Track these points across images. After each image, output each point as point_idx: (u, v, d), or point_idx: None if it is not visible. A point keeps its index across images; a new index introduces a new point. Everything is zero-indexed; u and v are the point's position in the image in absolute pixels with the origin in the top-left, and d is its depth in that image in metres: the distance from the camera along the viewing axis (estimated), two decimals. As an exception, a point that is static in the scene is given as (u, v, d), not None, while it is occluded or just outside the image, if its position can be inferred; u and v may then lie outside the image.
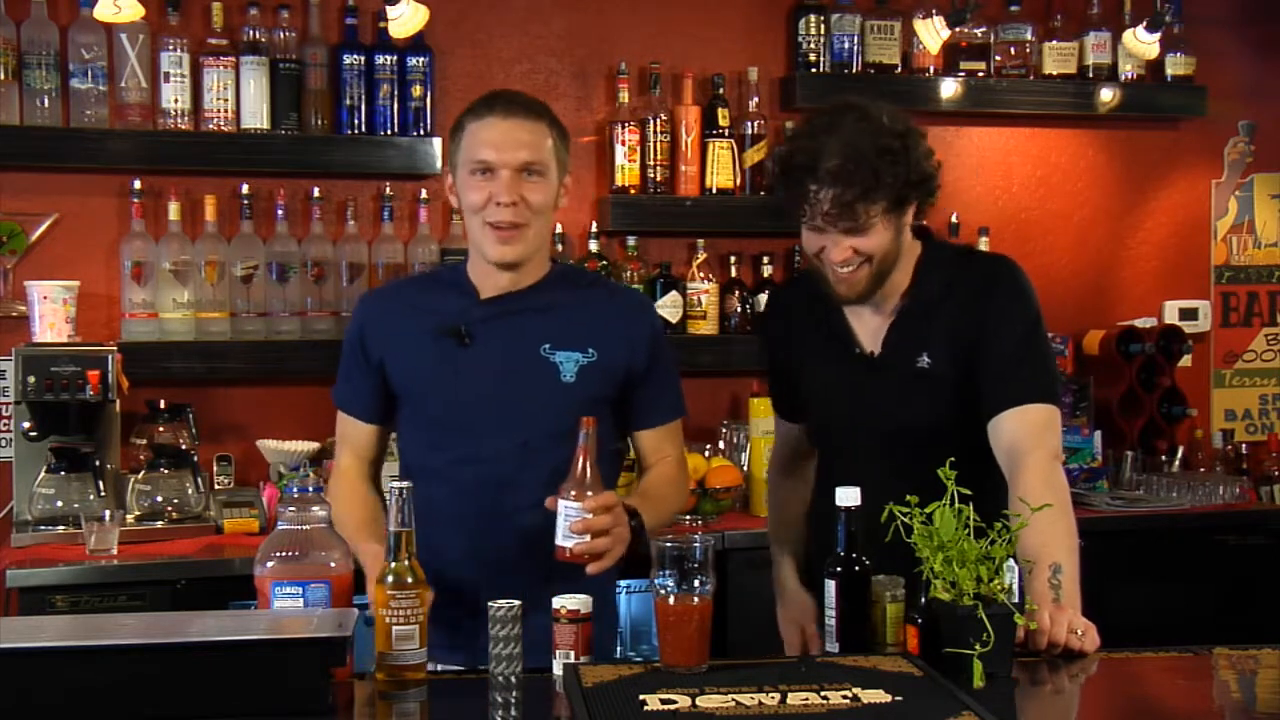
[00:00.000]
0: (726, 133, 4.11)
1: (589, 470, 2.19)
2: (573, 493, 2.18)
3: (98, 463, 3.44)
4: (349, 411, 2.52)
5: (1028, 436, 2.30)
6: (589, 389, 2.38)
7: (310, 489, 2.11)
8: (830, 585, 2.09)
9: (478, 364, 2.37)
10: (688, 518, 3.60)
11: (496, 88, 4.02)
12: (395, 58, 3.88)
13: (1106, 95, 4.38)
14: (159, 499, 3.47)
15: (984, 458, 2.34)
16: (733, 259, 4.17)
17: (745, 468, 3.88)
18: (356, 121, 3.87)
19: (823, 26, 4.20)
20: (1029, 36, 4.35)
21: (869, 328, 2.46)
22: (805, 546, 2.67)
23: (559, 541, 2.19)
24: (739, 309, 4.14)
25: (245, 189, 3.78)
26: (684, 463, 2.59)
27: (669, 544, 1.99)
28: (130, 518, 3.43)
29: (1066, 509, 2.27)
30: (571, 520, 2.18)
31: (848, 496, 2.11)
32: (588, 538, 2.17)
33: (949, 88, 4.25)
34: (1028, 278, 2.46)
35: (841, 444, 2.52)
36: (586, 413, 2.26)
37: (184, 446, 3.57)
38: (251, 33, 3.77)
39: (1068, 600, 2.18)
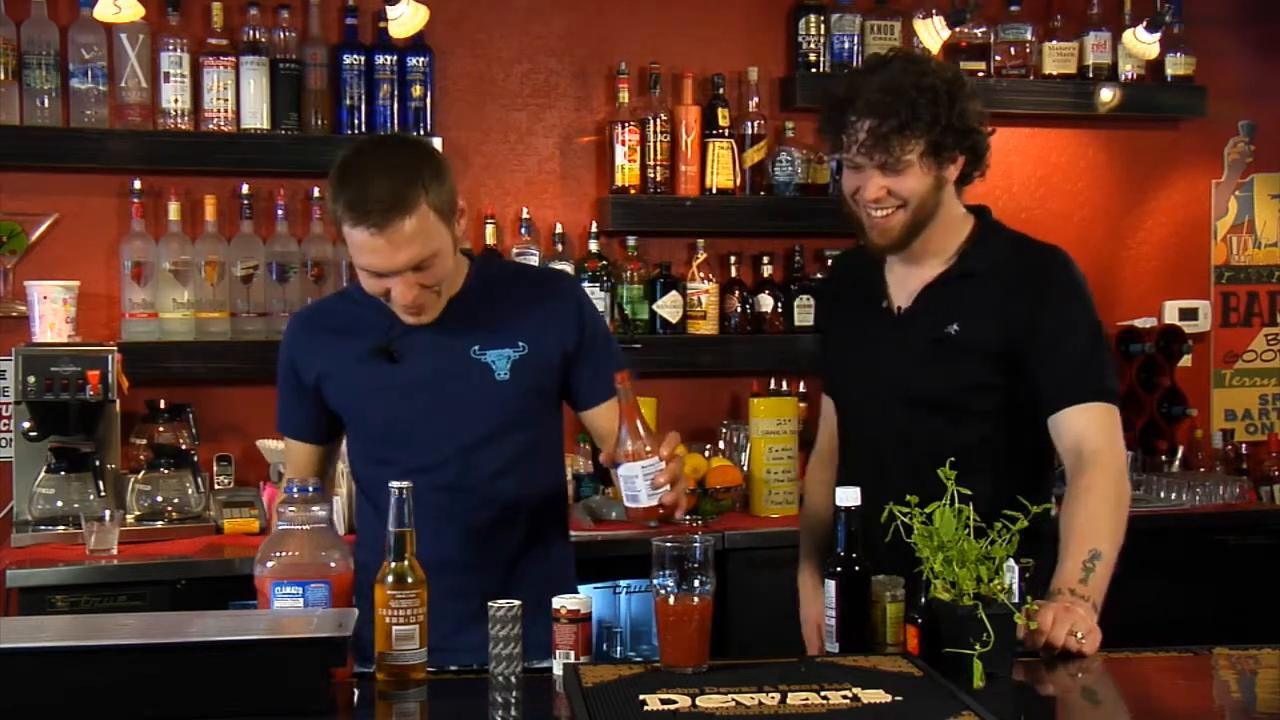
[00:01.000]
0: (726, 133, 4.11)
1: (642, 424, 2.14)
2: (647, 448, 2.11)
3: (98, 463, 3.44)
4: (295, 436, 2.52)
5: (1100, 433, 2.31)
6: (525, 382, 2.37)
7: (310, 489, 2.10)
8: (830, 585, 2.09)
9: (411, 378, 2.37)
10: (688, 518, 3.60)
11: (496, 88, 4.08)
12: (395, 58, 3.88)
13: (1106, 95, 4.38)
14: (159, 499, 3.47)
15: (993, 435, 2.37)
16: (733, 259, 4.17)
17: (745, 468, 3.88)
18: (356, 121, 3.87)
19: (823, 26, 4.20)
20: (1029, 36, 4.35)
21: (904, 287, 2.45)
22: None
23: (643, 503, 2.11)
24: (739, 309, 4.14)
25: (245, 189, 3.78)
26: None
27: (669, 544, 1.99)
28: (130, 518, 3.43)
29: (1124, 510, 2.31)
30: (653, 475, 2.10)
31: (848, 496, 2.11)
32: (669, 488, 2.10)
33: (949, 88, 4.25)
34: (1081, 272, 2.45)
35: (852, 400, 2.51)
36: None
37: (184, 446, 3.56)
38: (251, 33, 3.77)
39: (1094, 588, 2.18)
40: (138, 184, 3.70)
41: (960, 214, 2.47)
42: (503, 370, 2.37)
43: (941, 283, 2.42)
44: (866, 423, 2.48)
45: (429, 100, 3.91)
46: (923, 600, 2.03)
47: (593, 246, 4.01)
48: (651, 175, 4.05)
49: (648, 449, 2.11)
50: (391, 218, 2.17)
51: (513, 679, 1.95)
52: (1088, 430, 2.31)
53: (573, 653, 2.03)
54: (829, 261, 2.75)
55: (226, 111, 3.74)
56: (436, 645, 2.18)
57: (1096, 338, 2.41)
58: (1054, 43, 4.39)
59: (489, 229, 3.96)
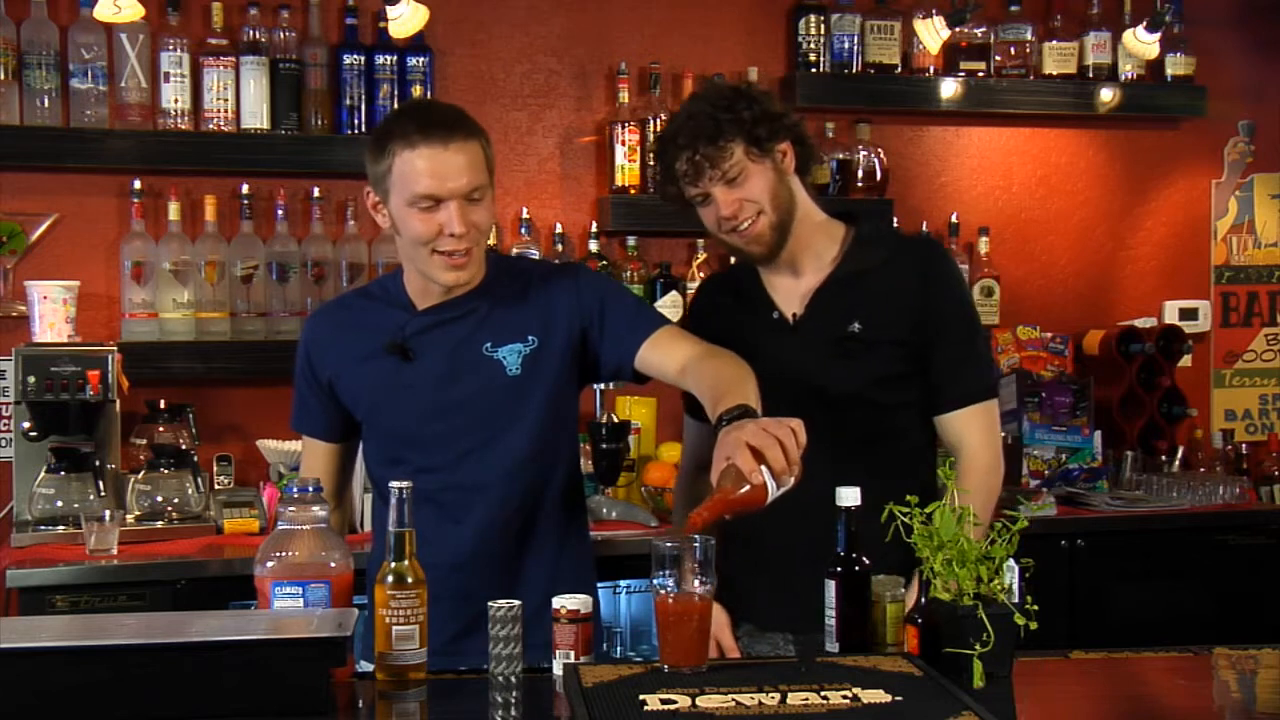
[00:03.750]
0: (726, 133, 4.10)
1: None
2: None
3: (98, 463, 3.44)
4: (311, 434, 2.54)
5: (974, 433, 2.49)
6: (538, 375, 2.38)
7: (310, 489, 2.10)
8: (830, 585, 2.09)
9: (424, 377, 2.37)
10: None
11: (496, 88, 4.08)
12: (395, 58, 3.89)
13: (1106, 95, 4.38)
14: (159, 499, 3.47)
15: (899, 426, 2.50)
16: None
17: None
18: (356, 121, 3.87)
19: (823, 26, 4.20)
20: (1029, 36, 4.36)
21: (788, 294, 2.55)
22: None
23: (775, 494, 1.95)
24: (739, 309, 4.13)
25: (245, 189, 3.78)
26: (709, 350, 2.34)
27: (669, 544, 1.99)
28: (130, 518, 3.43)
29: (990, 503, 2.47)
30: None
31: (848, 496, 2.11)
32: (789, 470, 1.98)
33: (949, 88, 4.26)
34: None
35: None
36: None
37: (184, 446, 3.56)
38: (251, 33, 3.77)
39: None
40: (138, 184, 3.70)
41: (824, 219, 2.58)
42: (514, 366, 2.37)
43: (832, 284, 2.51)
44: None
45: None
46: (922, 600, 2.04)
47: (593, 246, 4.02)
48: (651, 175, 4.05)
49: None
50: (456, 134, 2.25)
51: (513, 679, 1.95)
52: (964, 432, 2.49)
53: (573, 653, 2.03)
54: (701, 283, 2.83)
55: (226, 111, 3.74)
56: (446, 648, 2.19)
57: (977, 333, 2.58)
58: (1054, 43, 4.39)
59: (489, 229, 3.95)
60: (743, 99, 2.45)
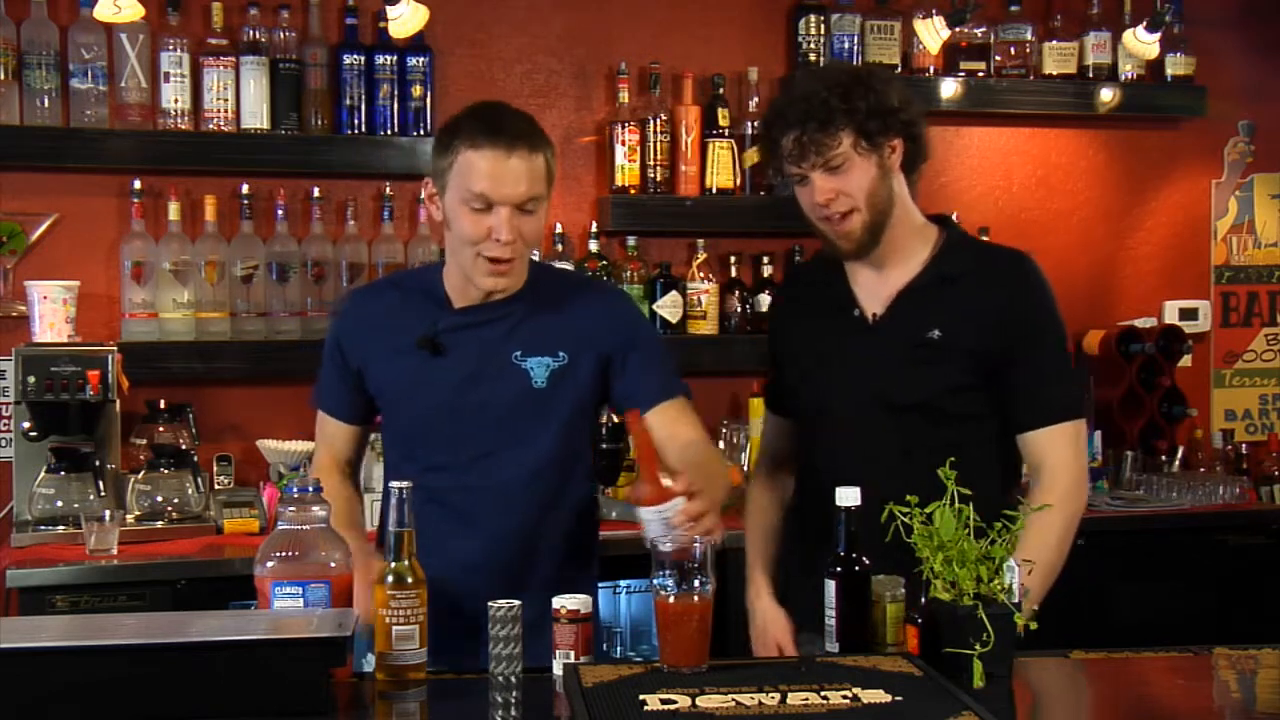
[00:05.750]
0: (726, 133, 4.10)
1: (658, 466, 2.13)
2: (663, 491, 2.08)
3: (98, 463, 3.44)
4: (329, 412, 2.53)
5: (1062, 451, 2.40)
6: (562, 392, 2.38)
7: (310, 489, 2.11)
8: (830, 585, 2.09)
9: (451, 374, 2.38)
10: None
11: (496, 88, 4.08)
12: (395, 58, 3.89)
13: (1106, 95, 4.38)
14: (159, 499, 3.47)
15: (973, 436, 2.41)
16: (733, 259, 4.17)
17: (745, 468, 3.88)
18: (356, 121, 3.87)
19: (823, 26, 4.20)
20: (1029, 36, 4.35)
21: (874, 294, 2.48)
22: (782, 561, 2.65)
23: (662, 547, 2.00)
24: (739, 309, 4.14)
25: (245, 189, 3.78)
26: (706, 439, 2.46)
27: (669, 544, 1.99)
28: (130, 518, 3.43)
29: (1072, 527, 2.38)
30: (668, 518, 2.06)
31: (848, 496, 2.11)
32: (694, 524, 2.06)
33: (949, 88, 4.26)
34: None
35: (832, 409, 2.49)
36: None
37: (184, 446, 3.56)
38: (251, 33, 3.77)
39: (1032, 598, 2.19)
40: (138, 184, 3.70)
41: (921, 221, 2.52)
42: (540, 378, 2.38)
43: (916, 289, 2.45)
44: (848, 430, 2.46)
45: (429, 100, 3.92)
46: (922, 600, 2.03)
47: (593, 246, 4.01)
48: (651, 175, 4.05)
49: (664, 491, 2.08)
50: (521, 144, 2.27)
51: (513, 679, 1.95)
52: (1049, 450, 2.40)
53: (573, 653, 2.03)
54: (788, 271, 2.80)
55: (226, 111, 3.74)
56: (450, 648, 2.19)
57: (1063, 347, 2.50)
58: (1054, 43, 4.39)
59: (489, 229, 3.95)
60: (860, 86, 2.37)
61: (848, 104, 2.35)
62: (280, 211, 3.81)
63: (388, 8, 3.76)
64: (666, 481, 2.10)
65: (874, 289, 2.48)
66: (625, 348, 2.43)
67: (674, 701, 1.81)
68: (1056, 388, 2.42)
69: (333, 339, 2.50)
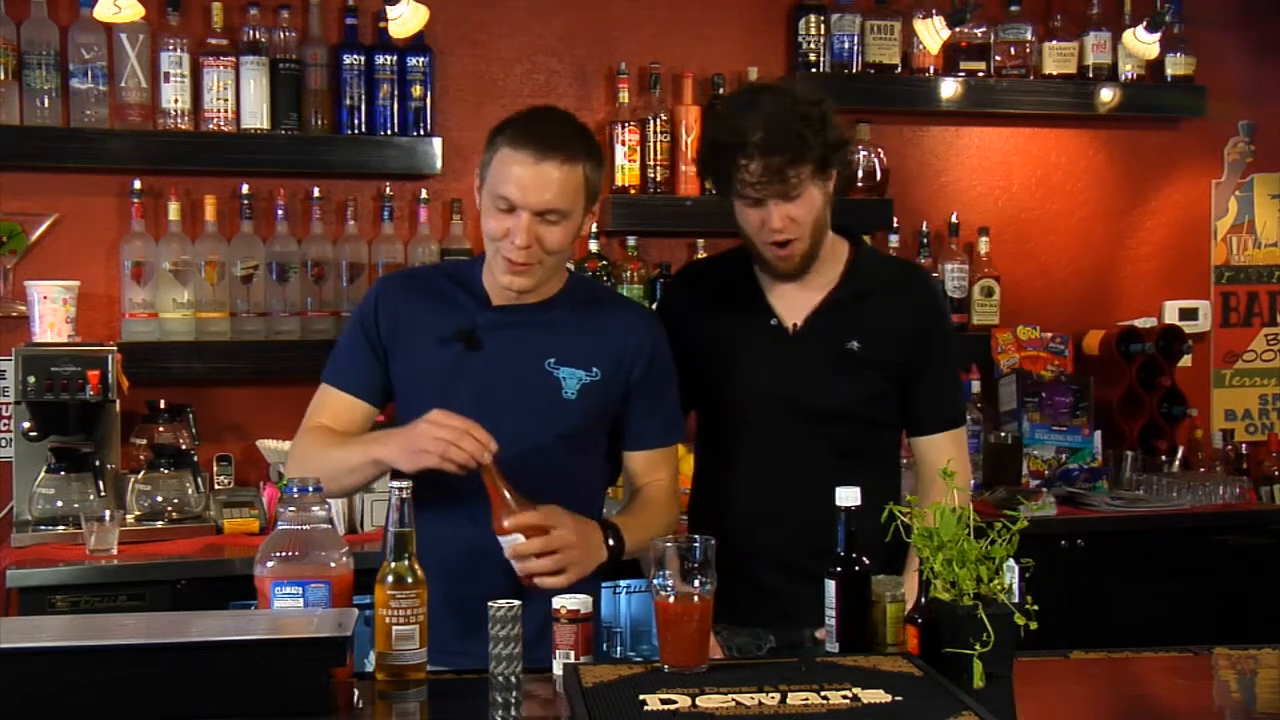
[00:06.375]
0: (726, 133, 4.10)
1: (509, 496, 2.20)
2: (505, 523, 2.20)
3: (98, 463, 3.44)
4: (344, 388, 2.45)
5: (955, 455, 2.58)
6: (589, 406, 2.39)
7: (310, 489, 2.10)
8: (830, 585, 2.10)
9: (483, 371, 2.37)
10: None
11: (496, 88, 4.08)
12: (395, 58, 3.89)
13: (1106, 95, 4.38)
14: (159, 499, 3.47)
15: (878, 443, 2.59)
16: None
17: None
18: (356, 121, 3.87)
19: (823, 26, 4.20)
20: (1029, 36, 4.36)
21: (792, 305, 2.56)
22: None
23: (517, 573, 2.22)
24: (739, 309, 4.13)
25: (245, 189, 3.78)
26: (674, 489, 2.55)
27: (668, 544, 1.99)
28: (130, 518, 3.43)
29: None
30: (508, 547, 2.21)
31: (848, 496, 2.11)
32: (524, 562, 2.20)
33: (949, 88, 4.26)
34: None
35: (750, 416, 2.57)
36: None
37: (184, 446, 3.56)
38: (251, 33, 3.77)
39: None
40: (138, 184, 3.70)
41: (834, 236, 2.59)
42: (571, 390, 2.38)
43: (835, 302, 2.55)
44: (763, 433, 2.56)
45: (429, 100, 3.92)
46: (922, 600, 2.04)
47: (593, 246, 4.01)
48: (651, 175, 4.05)
49: (505, 524, 2.20)
50: (556, 154, 2.27)
51: (513, 679, 1.95)
52: (942, 456, 2.54)
53: (573, 653, 2.03)
54: (689, 266, 2.87)
55: (226, 111, 3.74)
56: (451, 647, 2.19)
57: (957, 361, 2.75)
58: (1054, 43, 4.39)
59: (489, 229, 3.95)
60: (822, 121, 2.43)
61: (816, 138, 2.40)
62: (280, 211, 3.81)
63: (388, 8, 3.76)
64: (515, 518, 2.20)
65: (792, 300, 2.56)
66: (641, 376, 2.43)
67: (674, 701, 1.81)
68: (955, 395, 2.65)
69: (369, 313, 2.44)
